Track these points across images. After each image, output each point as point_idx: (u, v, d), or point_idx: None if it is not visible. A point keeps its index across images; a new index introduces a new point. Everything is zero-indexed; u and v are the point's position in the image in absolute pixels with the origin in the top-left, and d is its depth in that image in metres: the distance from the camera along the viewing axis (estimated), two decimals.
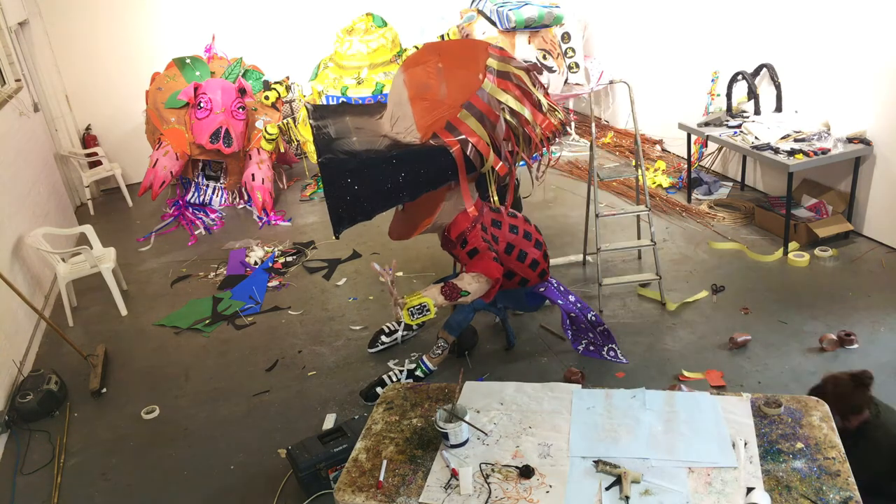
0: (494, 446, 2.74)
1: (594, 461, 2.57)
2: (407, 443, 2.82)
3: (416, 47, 6.99)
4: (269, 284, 5.57)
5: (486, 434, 2.80)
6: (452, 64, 3.61)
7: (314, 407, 4.06)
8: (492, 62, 3.52)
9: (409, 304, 3.43)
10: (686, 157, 6.35)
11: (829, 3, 5.16)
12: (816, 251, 5.09)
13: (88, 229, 5.60)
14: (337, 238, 3.57)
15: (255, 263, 5.93)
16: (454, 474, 2.59)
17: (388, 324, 4.61)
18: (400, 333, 4.55)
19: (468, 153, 3.43)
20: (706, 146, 6.67)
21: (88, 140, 8.06)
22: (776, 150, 5.13)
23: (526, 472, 2.57)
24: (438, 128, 3.49)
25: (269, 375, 4.41)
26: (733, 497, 2.36)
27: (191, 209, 7.22)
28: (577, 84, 8.08)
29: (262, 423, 3.96)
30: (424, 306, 3.43)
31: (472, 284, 3.55)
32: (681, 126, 6.19)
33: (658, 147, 7.56)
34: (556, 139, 3.80)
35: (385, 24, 7.34)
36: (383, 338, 4.53)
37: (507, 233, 3.89)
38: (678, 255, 5.35)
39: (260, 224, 6.84)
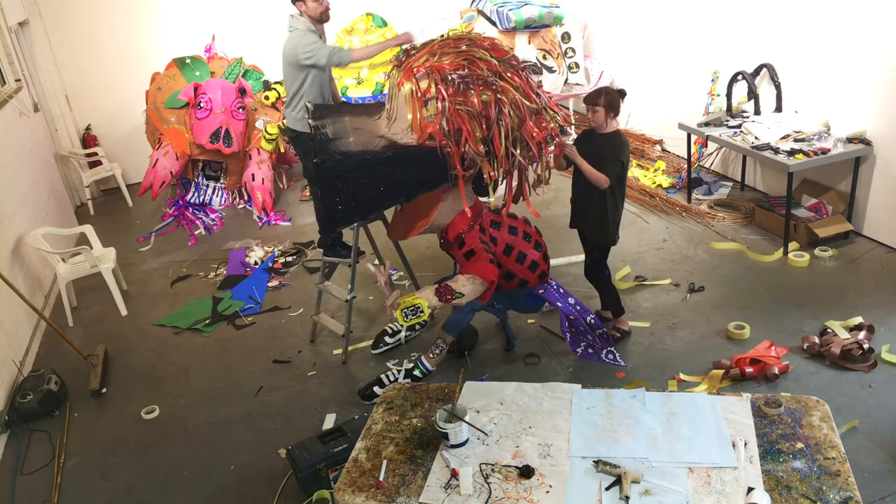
0: (494, 446, 2.74)
1: (594, 461, 2.58)
2: (407, 443, 2.82)
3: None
4: (269, 284, 5.57)
5: (486, 434, 2.81)
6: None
7: (314, 407, 4.06)
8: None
9: (402, 304, 3.42)
10: (686, 157, 6.35)
11: (829, 3, 5.16)
12: (816, 251, 5.09)
13: (88, 229, 5.60)
14: (322, 242, 3.56)
15: (255, 263, 5.93)
16: (454, 474, 2.59)
17: (390, 325, 4.61)
18: (403, 334, 4.55)
19: (442, 135, 3.42)
20: (706, 146, 6.67)
21: (88, 140, 8.06)
22: (776, 150, 5.13)
23: (526, 472, 2.57)
24: (435, 129, 3.49)
25: (269, 375, 4.41)
26: (733, 497, 2.37)
27: (191, 209, 7.22)
28: (577, 84, 8.09)
29: (262, 423, 3.96)
30: (418, 307, 3.42)
31: (466, 286, 3.54)
32: (681, 126, 6.19)
33: (658, 147, 7.56)
34: (554, 141, 3.79)
35: (385, 24, 7.35)
36: (387, 338, 4.53)
37: (506, 234, 3.88)
38: (678, 255, 5.35)
39: (260, 224, 6.85)
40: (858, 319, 4.20)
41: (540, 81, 7.46)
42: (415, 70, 3.51)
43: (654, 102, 7.56)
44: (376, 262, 4.78)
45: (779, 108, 5.78)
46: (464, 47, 3.56)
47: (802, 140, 5.19)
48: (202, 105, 6.81)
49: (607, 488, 2.46)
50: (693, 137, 6.26)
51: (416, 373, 4.06)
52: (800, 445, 2.57)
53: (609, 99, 3.89)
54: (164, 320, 5.20)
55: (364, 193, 3.52)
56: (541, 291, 4.09)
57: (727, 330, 4.31)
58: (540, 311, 4.45)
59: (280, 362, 4.53)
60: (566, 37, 8.01)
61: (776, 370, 3.82)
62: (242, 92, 7.06)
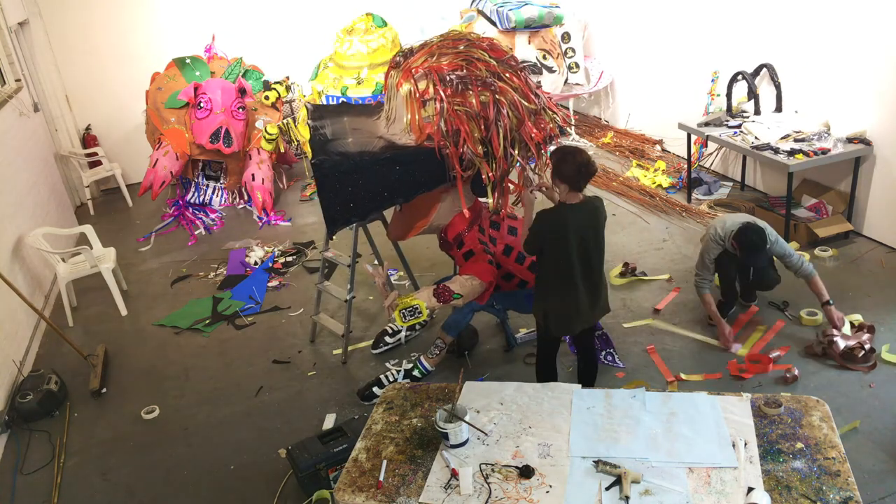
0: (494, 446, 2.74)
1: (594, 461, 2.58)
2: (407, 443, 2.82)
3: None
4: (269, 284, 5.57)
5: (486, 434, 2.80)
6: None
7: (314, 407, 4.06)
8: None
9: (401, 305, 3.43)
10: (686, 157, 6.35)
11: (829, 3, 5.16)
12: (816, 251, 5.09)
13: (88, 229, 5.60)
14: (331, 238, 3.57)
15: (255, 263, 5.94)
16: (454, 474, 2.59)
17: (390, 325, 4.61)
18: (403, 334, 4.55)
19: (442, 137, 3.41)
20: (706, 146, 6.67)
21: (88, 140, 8.06)
22: (776, 150, 5.13)
23: (526, 472, 2.57)
24: (433, 129, 3.49)
25: (269, 375, 4.41)
26: (733, 497, 2.37)
27: (191, 209, 7.22)
28: (577, 84, 8.09)
29: (262, 423, 3.96)
30: (416, 308, 3.42)
31: (464, 287, 3.54)
32: (681, 126, 6.19)
33: (658, 147, 7.56)
34: (553, 141, 3.78)
35: (385, 24, 7.35)
36: (387, 338, 4.53)
37: (506, 234, 3.88)
38: (678, 255, 5.35)
39: (260, 224, 6.85)
40: (858, 318, 4.20)
41: (539, 82, 7.48)
42: (413, 71, 3.52)
43: (654, 102, 7.56)
44: (375, 262, 4.78)
45: (779, 108, 5.78)
46: (462, 48, 3.56)
47: (802, 140, 5.18)
48: (202, 105, 6.81)
49: (607, 488, 2.46)
50: (693, 137, 6.26)
51: (416, 373, 4.06)
52: (800, 445, 2.57)
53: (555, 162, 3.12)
54: (164, 320, 5.20)
55: (363, 194, 3.52)
56: None
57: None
58: None
59: (280, 362, 4.53)
60: (566, 37, 8.00)
61: (796, 372, 3.82)
62: (242, 92, 7.06)
